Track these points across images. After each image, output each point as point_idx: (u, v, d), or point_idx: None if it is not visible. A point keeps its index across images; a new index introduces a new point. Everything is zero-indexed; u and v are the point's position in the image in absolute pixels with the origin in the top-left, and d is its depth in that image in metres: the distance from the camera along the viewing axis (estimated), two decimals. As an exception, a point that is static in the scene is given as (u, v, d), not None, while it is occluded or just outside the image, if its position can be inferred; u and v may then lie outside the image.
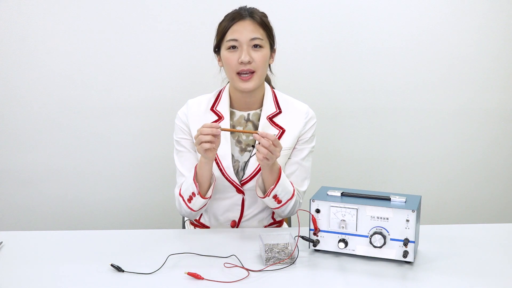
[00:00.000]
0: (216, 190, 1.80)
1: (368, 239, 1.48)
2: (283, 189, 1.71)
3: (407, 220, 1.44)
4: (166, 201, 2.67)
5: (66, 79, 2.63)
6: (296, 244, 1.48)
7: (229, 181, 1.78)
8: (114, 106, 2.67)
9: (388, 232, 1.46)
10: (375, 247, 1.47)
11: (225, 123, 1.78)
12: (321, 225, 1.52)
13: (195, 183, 1.69)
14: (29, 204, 2.72)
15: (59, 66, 2.62)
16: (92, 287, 1.36)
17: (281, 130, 1.79)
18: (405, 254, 1.44)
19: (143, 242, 1.65)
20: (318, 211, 1.52)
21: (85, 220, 2.75)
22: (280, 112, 1.81)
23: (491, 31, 2.74)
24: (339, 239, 1.51)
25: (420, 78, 2.77)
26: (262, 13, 1.77)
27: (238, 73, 1.71)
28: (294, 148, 1.83)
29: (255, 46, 1.71)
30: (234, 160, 1.79)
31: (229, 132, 1.78)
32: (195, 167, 1.71)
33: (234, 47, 1.71)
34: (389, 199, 1.51)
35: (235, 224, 1.84)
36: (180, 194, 1.77)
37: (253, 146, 1.78)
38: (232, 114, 1.82)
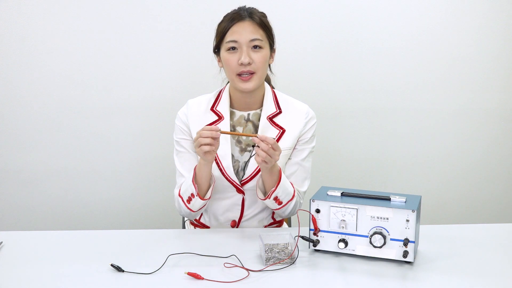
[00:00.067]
0: (216, 190, 1.80)
1: (368, 239, 1.48)
2: (283, 190, 1.71)
3: (407, 220, 1.44)
4: (166, 201, 2.67)
5: (66, 79, 2.63)
6: (296, 244, 1.48)
7: (229, 181, 1.78)
8: (114, 106, 2.67)
9: (388, 232, 1.46)
10: (375, 247, 1.47)
11: (225, 123, 1.78)
12: (321, 225, 1.52)
13: (194, 184, 1.70)
14: (29, 204, 2.72)
15: (59, 66, 2.62)
16: (92, 287, 1.36)
17: (281, 130, 1.79)
18: (405, 254, 1.44)
19: (143, 242, 1.65)
20: (318, 211, 1.52)
21: (85, 220, 2.75)
22: (280, 112, 1.81)
23: (491, 31, 2.74)
24: (339, 239, 1.51)
25: (420, 78, 2.77)
26: (262, 13, 1.77)
27: (238, 74, 1.71)
28: (294, 148, 1.83)
29: (255, 47, 1.71)
30: (234, 160, 1.79)
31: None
32: (195, 168, 1.71)
33: (233, 48, 1.71)
34: (389, 199, 1.51)
35: (235, 224, 1.84)
36: (179, 195, 1.77)
37: (253, 146, 1.77)
38: (232, 114, 1.82)
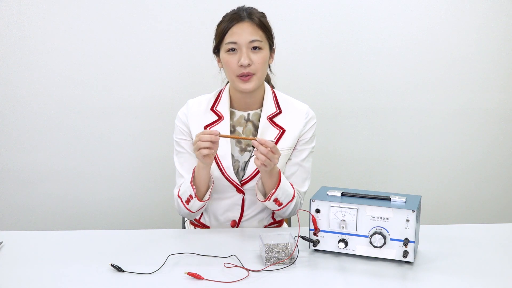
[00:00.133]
0: (216, 190, 1.81)
1: (368, 239, 1.48)
2: (283, 192, 1.71)
3: (407, 220, 1.44)
4: (166, 201, 2.67)
5: (66, 79, 2.63)
6: (296, 244, 1.48)
7: (229, 181, 1.78)
8: (114, 106, 2.67)
9: (388, 232, 1.46)
10: (375, 247, 1.47)
11: (225, 123, 1.78)
12: (321, 225, 1.52)
13: (192, 186, 1.70)
14: (29, 204, 2.72)
15: (59, 66, 2.62)
16: (92, 287, 1.36)
17: (281, 130, 1.79)
18: (405, 254, 1.44)
19: (143, 242, 1.65)
20: (318, 211, 1.52)
21: (85, 220, 2.75)
22: (280, 112, 1.81)
23: (491, 31, 2.74)
24: (339, 239, 1.51)
25: (420, 78, 2.77)
26: (261, 13, 1.77)
27: (238, 75, 1.71)
28: (294, 148, 1.83)
29: (254, 48, 1.70)
30: (234, 160, 1.79)
31: (229, 131, 1.78)
32: (193, 170, 1.71)
33: (233, 49, 1.71)
34: (389, 199, 1.51)
35: (235, 224, 1.84)
36: (178, 195, 1.77)
37: (254, 146, 1.77)
38: (232, 114, 1.82)
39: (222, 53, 1.74)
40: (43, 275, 1.42)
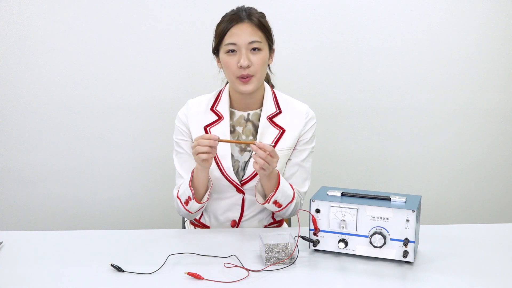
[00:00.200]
0: (216, 190, 1.81)
1: (368, 239, 1.48)
2: (283, 194, 1.71)
3: (407, 220, 1.44)
4: (166, 201, 2.67)
5: (66, 79, 2.63)
6: (296, 244, 1.48)
7: (229, 181, 1.78)
8: (114, 106, 2.67)
9: (388, 232, 1.46)
10: (375, 247, 1.47)
11: (225, 123, 1.78)
12: (321, 225, 1.52)
13: (190, 188, 1.71)
14: (29, 204, 2.72)
15: (59, 66, 2.62)
16: (92, 287, 1.36)
17: (281, 130, 1.79)
18: (405, 254, 1.44)
19: (143, 242, 1.65)
20: (318, 211, 1.52)
21: (85, 220, 2.75)
22: (280, 112, 1.81)
23: (491, 31, 2.74)
24: (339, 239, 1.51)
25: (420, 78, 2.77)
26: (260, 13, 1.76)
27: (238, 77, 1.71)
28: (294, 148, 1.83)
29: (254, 49, 1.70)
30: (234, 160, 1.79)
31: (228, 131, 1.78)
32: (192, 172, 1.72)
33: (232, 50, 1.71)
34: (389, 199, 1.51)
35: (235, 224, 1.85)
36: (177, 196, 1.78)
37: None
38: (232, 114, 1.82)
39: (222, 54, 1.74)
40: (43, 275, 1.42)
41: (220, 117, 1.80)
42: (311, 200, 1.53)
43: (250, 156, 1.79)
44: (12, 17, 2.56)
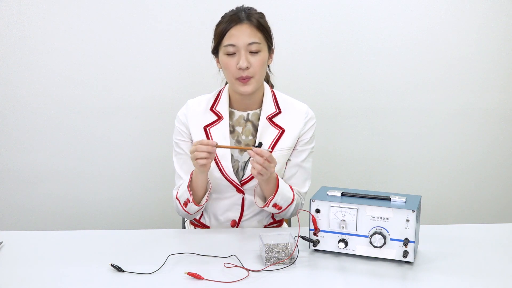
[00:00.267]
0: (216, 189, 1.81)
1: (368, 239, 1.48)
2: (282, 197, 1.72)
3: (407, 220, 1.44)
4: (166, 201, 2.67)
5: (66, 79, 2.63)
6: (296, 244, 1.48)
7: (228, 181, 1.78)
8: (114, 106, 2.67)
9: (388, 232, 1.46)
10: (375, 247, 1.47)
11: (225, 123, 1.78)
12: (321, 225, 1.52)
13: (189, 190, 1.71)
14: (29, 204, 2.72)
15: (59, 66, 2.62)
16: (92, 287, 1.36)
17: (281, 130, 1.79)
18: (405, 254, 1.44)
19: (143, 242, 1.65)
20: (318, 211, 1.52)
21: (85, 220, 2.75)
22: (279, 112, 1.81)
23: (491, 31, 2.74)
24: (339, 239, 1.51)
25: (420, 78, 2.77)
26: (259, 14, 1.76)
27: (237, 78, 1.71)
28: (294, 149, 1.83)
29: (253, 50, 1.70)
30: (233, 160, 1.79)
31: (228, 131, 1.78)
32: (191, 174, 1.72)
33: (232, 52, 1.70)
34: (389, 199, 1.51)
35: (235, 224, 1.85)
36: (176, 197, 1.79)
37: (253, 146, 1.78)
38: (231, 114, 1.82)
39: (221, 55, 1.74)
40: (43, 275, 1.42)
41: (219, 117, 1.80)
42: (311, 200, 1.53)
43: (250, 156, 1.78)
44: (12, 17, 2.56)
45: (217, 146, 1.61)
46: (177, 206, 1.79)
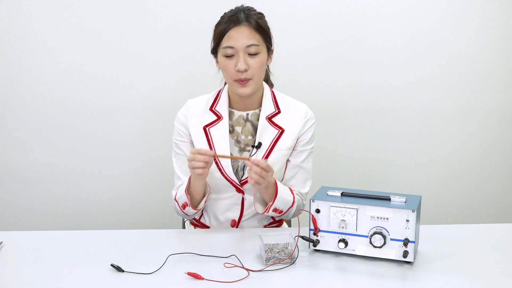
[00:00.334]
0: (216, 189, 1.81)
1: (368, 239, 1.47)
2: (282, 201, 1.72)
3: (407, 220, 1.44)
4: (166, 201, 2.66)
5: (66, 79, 2.63)
6: (296, 244, 1.48)
7: (228, 180, 1.78)
8: (114, 106, 2.67)
9: (388, 232, 1.46)
10: (375, 247, 1.47)
11: (224, 123, 1.78)
12: (321, 225, 1.52)
13: (186, 195, 1.72)
14: (29, 204, 2.72)
15: (59, 66, 2.62)
16: (92, 287, 1.36)
17: (280, 130, 1.79)
18: (405, 254, 1.44)
19: (143, 242, 1.65)
20: (318, 211, 1.52)
21: (85, 220, 2.75)
22: (279, 112, 1.81)
23: (491, 31, 2.74)
24: (339, 239, 1.51)
25: (420, 78, 2.77)
26: (259, 14, 1.75)
27: (236, 79, 1.71)
28: (294, 149, 1.83)
29: (251, 52, 1.70)
30: (233, 160, 1.79)
31: (227, 131, 1.78)
32: (189, 178, 1.72)
33: (230, 53, 1.70)
34: (389, 199, 1.51)
35: (235, 224, 1.85)
36: (175, 199, 1.79)
37: (253, 146, 1.78)
38: (231, 114, 1.82)
39: (220, 56, 1.73)
40: (43, 275, 1.42)
41: (219, 117, 1.80)
42: (311, 200, 1.53)
43: (250, 155, 1.79)
44: (12, 17, 2.56)
45: (214, 156, 1.62)
46: (176, 207, 1.81)
